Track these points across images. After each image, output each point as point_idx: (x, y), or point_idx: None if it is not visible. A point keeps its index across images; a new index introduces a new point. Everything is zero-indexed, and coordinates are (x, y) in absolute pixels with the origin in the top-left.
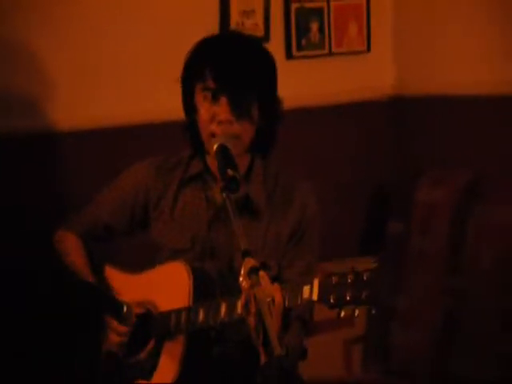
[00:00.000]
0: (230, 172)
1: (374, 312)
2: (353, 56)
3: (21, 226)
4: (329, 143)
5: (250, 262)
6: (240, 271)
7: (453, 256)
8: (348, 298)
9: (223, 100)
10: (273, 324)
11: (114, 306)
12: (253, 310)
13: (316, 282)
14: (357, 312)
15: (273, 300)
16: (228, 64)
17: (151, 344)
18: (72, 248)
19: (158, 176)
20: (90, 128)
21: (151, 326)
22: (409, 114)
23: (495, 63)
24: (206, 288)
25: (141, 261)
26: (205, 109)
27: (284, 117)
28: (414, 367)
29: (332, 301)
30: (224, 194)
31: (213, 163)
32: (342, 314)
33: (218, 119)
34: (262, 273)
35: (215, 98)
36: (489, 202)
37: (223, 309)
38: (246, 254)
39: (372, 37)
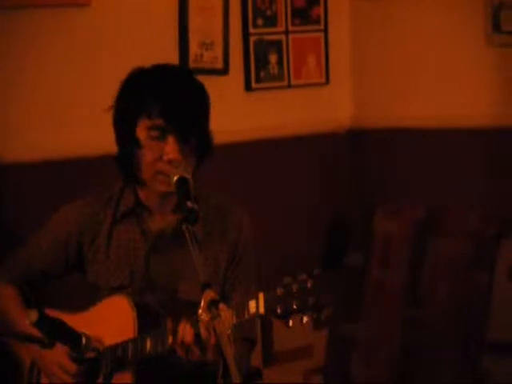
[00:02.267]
0: (189, 204)
1: (322, 318)
2: (312, 88)
3: None
4: (287, 174)
5: (209, 295)
6: (200, 304)
7: (411, 288)
8: (294, 306)
9: (171, 139)
10: (232, 355)
11: (73, 337)
12: (212, 341)
13: (261, 296)
14: (305, 319)
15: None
16: (175, 101)
17: (100, 379)
18: (5, 299)
19: (89, 216)
20: (27, 161)
21: (101, 362)
22: (366, 146)
23: (453, 96)
24: (150, 318)
25: (78, 301)
26: (151, 147)
27: (239, 149)
28: None
29: (279, 311)
30: (184, 227)
31: (145, 195)
32: (290, 323)
33: (166, 158)
34: (221, 305)
35: (163, 137)
36: (442, 235)
37: (170, 336)
38: (205, 286)
39: (330, 69)
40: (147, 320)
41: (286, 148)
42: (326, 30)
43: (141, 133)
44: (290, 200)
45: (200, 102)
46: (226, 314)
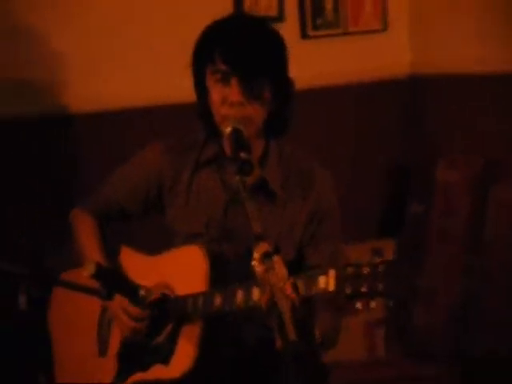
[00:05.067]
0: (243, 155)
1: (390, 304)
2: (369, 35)
3: (33, 208)
4: (345, 123)
5: (263, 247)
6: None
7: (473, 235)
8: (364, 289)
9: (234, 82)
10: (287, 309)
11: (131, 289)
12: (267, 294)
13: (332, 273)
14: (373, 304)
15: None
16: (237, 45)
17: (169, 328)
18: (85, 228)
19: (171, 159)
20: (103, 111)
21: (169, 310)
22: (426, 92)
23: None
24: (222, 271)
25: (157, 243)
26: (216, 91)
27: (296, 98)
28: (435, 347)
29: (348, 292)
30: (237, 178)
31: (227, 146)
32: (358, 305)
33: (229, 101)
34: (276, 257)
35: (226, 80)
36: (503, 183)
37: (239, 296)
38: (259, 238)
39: (388, 15)
40: (220, 272)
41: (343, 96)
42: None
43: (208, 80)
44: (348, 149)
45: (268, 47)
46: (280, 266)
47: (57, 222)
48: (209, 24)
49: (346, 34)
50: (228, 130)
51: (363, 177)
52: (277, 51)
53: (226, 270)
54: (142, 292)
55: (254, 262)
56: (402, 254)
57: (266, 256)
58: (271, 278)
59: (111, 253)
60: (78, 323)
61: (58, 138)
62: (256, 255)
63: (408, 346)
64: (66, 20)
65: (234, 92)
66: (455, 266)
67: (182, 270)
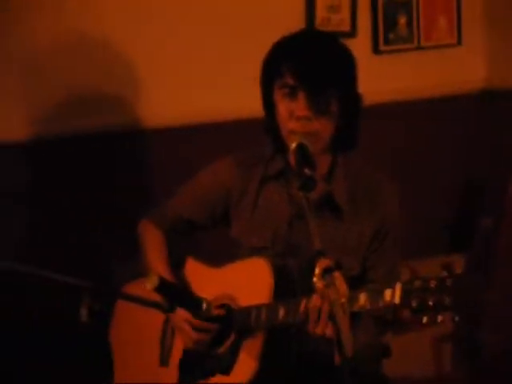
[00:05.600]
0: (306, 171)
1: (456, 319)
2: (442, 49)
3: (110, 218)
4: (418, 137)
5: (324, 263)
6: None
7: None
8: (430, 303)
9: (301, 96)
10: (346, 325)
11: (194, 302)
12: (326, 309)
13: (398, 286)
14: (439, 318)
15: (349, 300)
16: (305, 59)
17: (231, 339)
18: (153, 241)
19: (239, 172)
20: (175, 125)
21: (232, 322)
22: (501, 107)
23: None
24: (286, 285)
25: (222, 255)
26: (283, 106)
27: (367, 113)
28: (504, 364)
29: (414, 305)
30: (301, 193)
31: (293, 161)
32: (424, 320)
33: (296, 115)
34: (336, 273)
35: (293, 95)
36: None
37: (303, 307)
38: (320, 254)
39: (463, 29)
40: (284, 286)
41: (416, 111)
42: None
43: (276, 95)
44: (421, 164)
45: (335, 62)
46: (341, 282)
47: (125, 234)
48: (278, 40)
49: (418, 48)
50: (293, 145)
51: (436, 191)
52: (344, 66)
53: (291, 283)
54: (204, 305)
55: (314, 279)
56: (472, 268)
57: (327, 272)
58: (331, 294)
59: (178, 263)
60: (140, 332)
61: (128, 151)
62: (317, 271)
63: (476, 362)
64: (142, 36)
65: (300, 106)
66: None
67: (247, 282)
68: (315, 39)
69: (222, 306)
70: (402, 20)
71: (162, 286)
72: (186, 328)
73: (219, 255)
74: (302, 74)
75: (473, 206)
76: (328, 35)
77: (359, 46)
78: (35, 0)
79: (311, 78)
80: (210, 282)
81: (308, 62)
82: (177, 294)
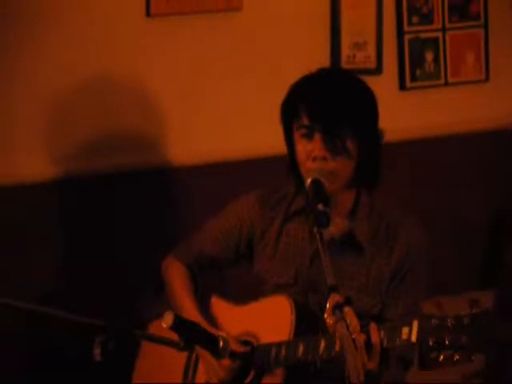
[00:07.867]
0: (320, 207)
1: (473, 359)
2: (470, 86)
3: (137, 255)
4: (445, 173)
5: (334, 298)
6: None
7: None
8: (447, 342)
9: (317, 136)
10: (357, 361)
11: (211, 341)
12: (337, 346)
13: (415, 324)
14: (456, 357)
15: (366, 337)
16: (320, 100)
17: (251, 376)
18: (177, 277)
19: (262, 210)
20: (201, 163)
21: (252, 359)
22: None
23: None
24: (307, 323)
25: (246, 291)
26: (301, 146)
27: (394, 149)
28: None
29: (431, 344)
30: (314, 229)
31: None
32: (441, 358)
33: (312, 156)
34: (346, 308)
35: (310, 135)
36: None
37: (322, 345)
38: (332, 289)
39: (491, 66)
40: (305, 323)
41: (443, 147)
42: (486, 26)
43: (295, 135)
44: (449, 199)
45: (350, 101)
46: (352, 317)
47: (153, 272)
48: (296, 80)
49: (446, 84)
50: (308, 180)
51: (463, 226)
52: (360, 104)
53: (312, 321)
54: (221, 343)
55: (325, 315)
56: (499, 304)
57: (337, 307)
58: (340, 330)
59: (202, 300)
60: (164, 364)
61: (154, 188)
62: (327, 307)
63: None
64: (163, 73)
65: (316, 147)
66: None
67: (269, 320)
68: (331, 78)
69: (245, 342)
70: (430, 57)
71: (177, 325)
72: (214, 364)
73: (245, 291)
74: (316, 114)
75: (501, 242)
76: (345, 74)
77: (385, 84)
78: (61, 38)
79: (325, 118)
80: (232, 319)
81: (322, 101)
82: (193, 331)
